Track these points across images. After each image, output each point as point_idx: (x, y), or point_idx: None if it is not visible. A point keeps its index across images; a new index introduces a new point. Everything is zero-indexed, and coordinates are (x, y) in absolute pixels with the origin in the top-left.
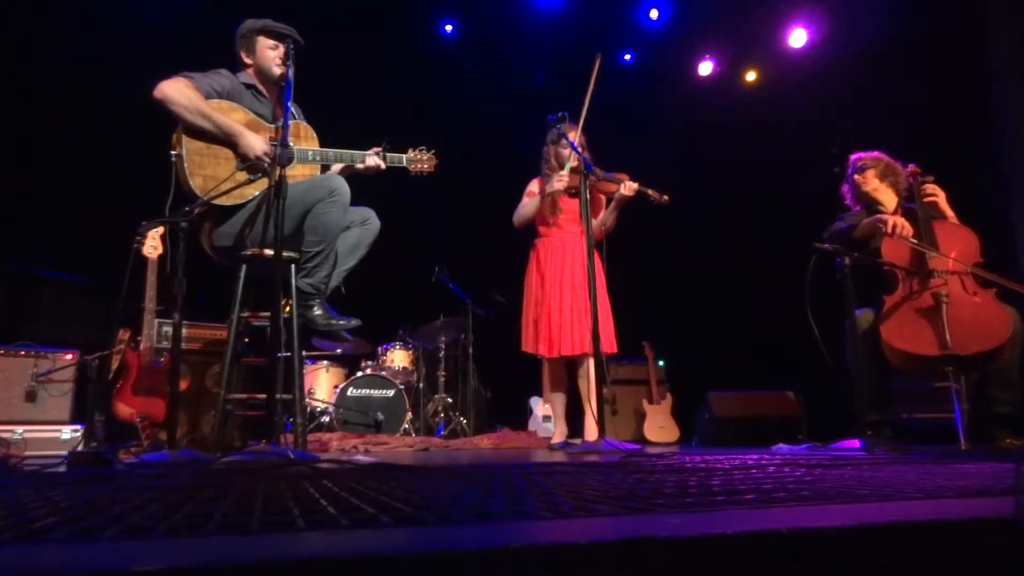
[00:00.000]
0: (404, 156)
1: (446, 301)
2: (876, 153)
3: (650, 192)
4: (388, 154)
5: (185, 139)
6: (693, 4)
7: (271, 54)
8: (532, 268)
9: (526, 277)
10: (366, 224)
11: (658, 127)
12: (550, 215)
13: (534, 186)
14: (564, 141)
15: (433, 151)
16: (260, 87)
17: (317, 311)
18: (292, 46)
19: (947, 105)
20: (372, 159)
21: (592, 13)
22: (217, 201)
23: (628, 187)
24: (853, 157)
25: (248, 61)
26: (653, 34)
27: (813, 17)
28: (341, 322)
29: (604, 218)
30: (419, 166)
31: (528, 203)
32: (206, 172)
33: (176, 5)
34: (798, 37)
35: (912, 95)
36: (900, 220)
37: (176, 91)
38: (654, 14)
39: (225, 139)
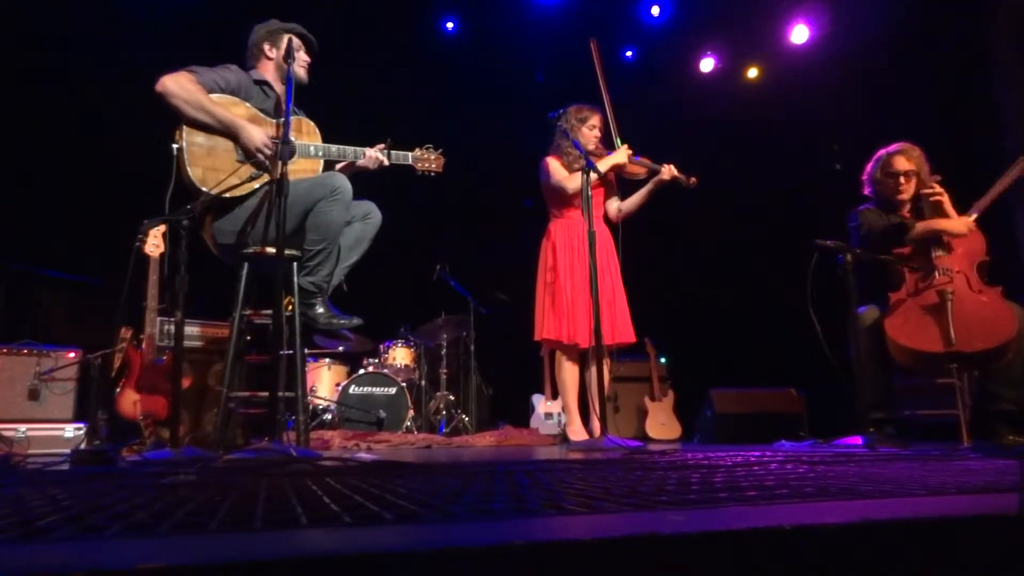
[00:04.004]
0: (410, 154)
1: (448, 299)
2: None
3: (681, 176)
4: (393, 152)
5: (186, 131)
6: (694, 1)
7: (296, 54)
8: (547, 253)
9: (540, 263)
10: (368, 218)
11: (659, 124)
12: (573, 198)
13: (557, 163)
14: (591, 123)
15: (440, 150)
16: (272, 83)
17: (319, 309)
18: (293, 44)
19: (948, 103)
20: (373, 152)
21: (593, 10)
22: (217, 193)
23: (668, 171)
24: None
25: (271, 55)
26: (654, 31)
27: (815, 14)
28: (343, 320)
29: (630, 203)
30: (426, 165)
31: (575, 177)
32: (206, 164)
33: (180, 2)
34: (800, 33)
35: (913, 93)
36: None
37: (177, 85)
38: (655, 11)
39: (226, 132)
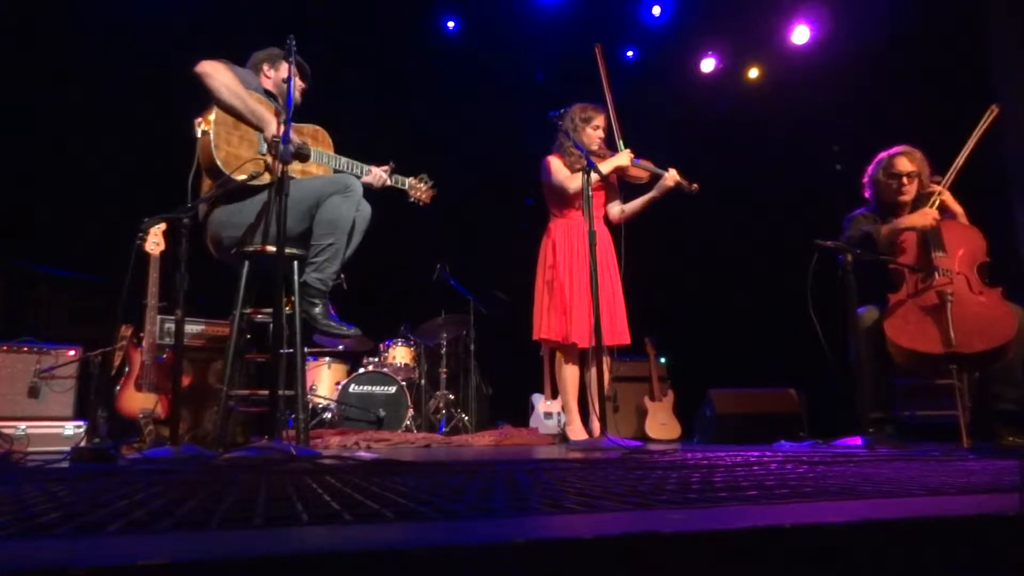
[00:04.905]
0: (407, 180)
1: (448, 298)
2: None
3: (683, 182)
4: (394, 175)
5: (215, 114)
6: (695, 1)
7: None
8: (546, 251)
9: (540, 261)
10: (357, 211)
11: (660, 124)
12: (575, 198)
13: (560, 162)
14: (595, 123)
15: (433, 183)
16: (277, 96)
17: (318, 310)
18: (293, 42)
19: (949, 103)
20: (378, 170)
21: (594, 10)
22: (238, 177)
23: (671, 177)
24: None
25: (269, 75)
26: (655, 31)
27: (816, 14)
28: (342, 329)
29: (633, 206)
30: (417, 195)
31: (577, 177)
32: (230, 148)
33: (179, 7)
34: (801, 34)
35: (914, 93)
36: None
37: (215, 69)
38: (656, 11)
39: (252, 122)
